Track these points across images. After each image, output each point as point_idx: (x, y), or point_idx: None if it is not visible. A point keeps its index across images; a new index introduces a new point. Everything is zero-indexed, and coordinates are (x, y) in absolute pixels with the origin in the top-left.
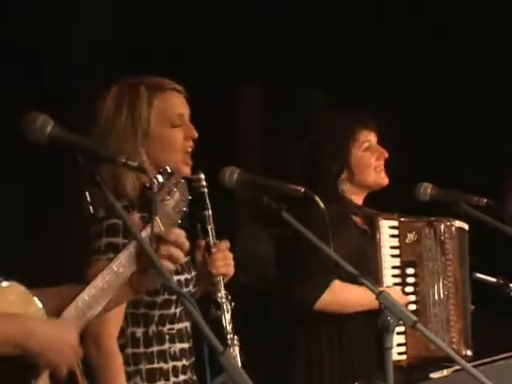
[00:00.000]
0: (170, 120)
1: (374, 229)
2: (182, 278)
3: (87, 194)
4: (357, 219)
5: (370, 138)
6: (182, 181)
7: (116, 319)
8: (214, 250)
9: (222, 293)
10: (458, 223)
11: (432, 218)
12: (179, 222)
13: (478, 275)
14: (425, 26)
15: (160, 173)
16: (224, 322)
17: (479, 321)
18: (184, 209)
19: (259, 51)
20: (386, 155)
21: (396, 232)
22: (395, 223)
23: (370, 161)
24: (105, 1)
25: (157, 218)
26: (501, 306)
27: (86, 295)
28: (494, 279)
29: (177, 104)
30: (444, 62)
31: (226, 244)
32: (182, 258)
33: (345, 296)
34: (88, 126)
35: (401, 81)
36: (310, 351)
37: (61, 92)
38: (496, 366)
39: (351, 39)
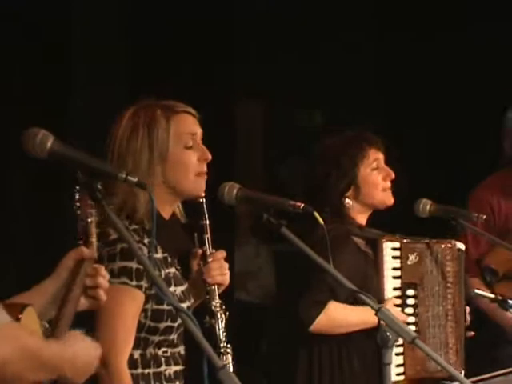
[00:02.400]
0: (184, 141)
1: (378, 250)
2: (184, 305)
3: (78, 206)
4: (359, 241)
5: (378, 156)
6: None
7: (123, 338)
8: (210, 259)
9: (216, 302)
10: (458, 244)
11: (434, 240)
12: None
13: (477, 291)
14: (427, 42)
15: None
16: (217, 330)
17: (478, 338)
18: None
19: (260, 72)
20: (393, 176)
21: (398, 253)
22: (397, 245)
23: (377, 180)
24: (109, 22)
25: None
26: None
27: None
28: (492, 295)
29: (190, 124)
30: (443, 82)
31: (222, 253)
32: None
33: (341, 317)
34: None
35: (400, 101)
36: (310, 368)
37: (62, 109)
38: (495, 381)
39: (351, 58)
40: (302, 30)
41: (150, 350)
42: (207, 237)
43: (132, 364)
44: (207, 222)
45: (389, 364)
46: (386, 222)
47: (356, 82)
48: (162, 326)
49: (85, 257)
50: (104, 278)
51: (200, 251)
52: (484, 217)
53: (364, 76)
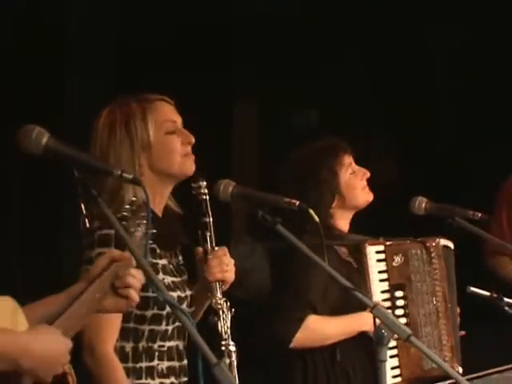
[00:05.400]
0: (164, 127)
1: (361, 255)
2: (174, 294)
3: (82, 206)
4: (342, 250)
5: (351, 160)
6: (144, 214)
7: (105, 326)
8: (210, 256)
9: (217, 299)
10: (443, 241)
11: (418, 239)
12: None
13: (472, 289)
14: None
15: (129, 205)
16: (220, 328)
17: (474, 336)
18: (148, 242)
19: (256, 74)
20: (368, 174)
21: (383, 256)
22: (381, 248)
23: (356, 183)
24: (106, 24)
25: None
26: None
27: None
28: (487, 293)
29: (168, 112)
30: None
31: (222, 250)
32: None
33: (320, 330)
34: (86, 147)
35: (397, 100)
36: (305, 374)
37: (58, 105)
38: (491, 379)
39: (346, 59)
40: (300, 30)
41: (143, 344)
42: (209, 234)
43: (123, 357)
44: (210, 219)
45: (384, 361)
46: (385, 222)
47: (353, 83)
48: (149, 313)
49: (115, 258)
50: (134, 277)
51: (201, 249)
52: (479, 214)
53: (361, 77)
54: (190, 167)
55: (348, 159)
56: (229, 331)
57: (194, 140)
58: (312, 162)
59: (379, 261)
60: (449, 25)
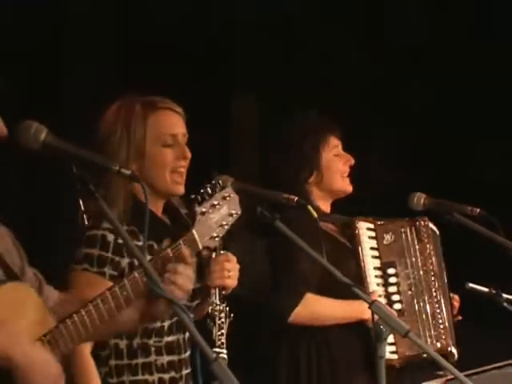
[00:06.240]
0: (162, 139)
1: (353, 231)
2: None
3: (81, 202)
4: (328, 226)
5: (337, 143)
6: (233, 195)
7: None
8: (212, 261)
9: (215, 305)
10: (431, 224)
11: (406, 219)
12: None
13: (471, 285)
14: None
15: (210, 185)
16: (214, 334)
17: (472, 331)
18: (231, 223)
19: (255, 68)
20: (353, 162)
21: (373, 234)
22: (371, 225)
23: (338, 166)
24: (105, 16)
25: (194, 231)
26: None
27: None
28: (486, 289)
29: (170, 123)
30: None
31: (226, 256)
32: (187, 286)
33: (318, 309)
34: (86, 140)
35: (401, 91)
36: (291, 364)
37: (56, 99)
38: (488, 375)
39: (347, 52)
40: (300, 26)
41: (137, 340)
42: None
43: (118, 354)
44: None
45: (382, 357)
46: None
47: (353, 78)
48: None
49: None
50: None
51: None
52: (478, 210)
53: (361, 72)
54: (177, 187)
55: (334, 141)
56: (223, 338)
57: (190, 155)
58: (297, 136)
59: (370, 238)
60: (449, 21)
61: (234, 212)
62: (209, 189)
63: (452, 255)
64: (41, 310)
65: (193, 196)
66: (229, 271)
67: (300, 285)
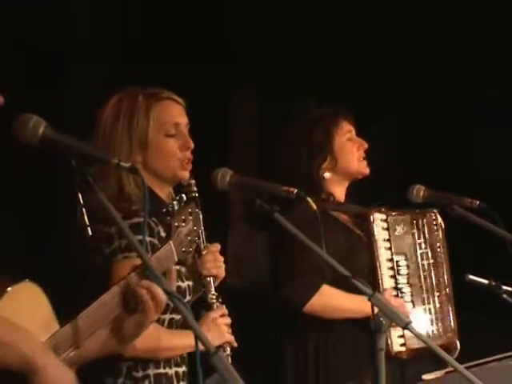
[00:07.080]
0: (165, 129)
1: (368, 223)
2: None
3: (80, 196)
4: (342, 216)
5: (351, 128)
6: (197, 211)
7: None
8: (204, 251)
9: (212, 294)
10: (439, 218)
11: (417, 211)
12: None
13: (471, 277)
14: (424, 25)
15: (176, 200)
16: None
17: (472, 323)
18: (196, 239)
19: (254, 62)
20: (366, 146)
21: (386, 225)
22: (384, 216)
23: (352, 150)
24: (104, 17)
25: (171, 242)
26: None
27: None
28: (486, 281)
29: (173, 113)
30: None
31: (216, 246)
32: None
33: (334, 301)
34: (88, 133)
35: (401, 83)
36: (297, 357)
37: (57, 93)
38: (488, 367)
39: (346, 42)
40: (298, 22)
41: None
42: (201, 230)
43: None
44: (201, 216)
45: (382, 349)
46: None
47: (352, 70)
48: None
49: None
50: (144, 288)
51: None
52: (478, 202)
53: (360, 64)
54: (182, 172)
55: (347, 126)
56: None
57: (192, 145)
58: (309, 124)
59: (383, 229)
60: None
61: (196, 228)
62: (175, 202)
63: (451, 247)
64: (47, 312)
65: (164, 209)
66: (220, 261)
67: (316, 276)
